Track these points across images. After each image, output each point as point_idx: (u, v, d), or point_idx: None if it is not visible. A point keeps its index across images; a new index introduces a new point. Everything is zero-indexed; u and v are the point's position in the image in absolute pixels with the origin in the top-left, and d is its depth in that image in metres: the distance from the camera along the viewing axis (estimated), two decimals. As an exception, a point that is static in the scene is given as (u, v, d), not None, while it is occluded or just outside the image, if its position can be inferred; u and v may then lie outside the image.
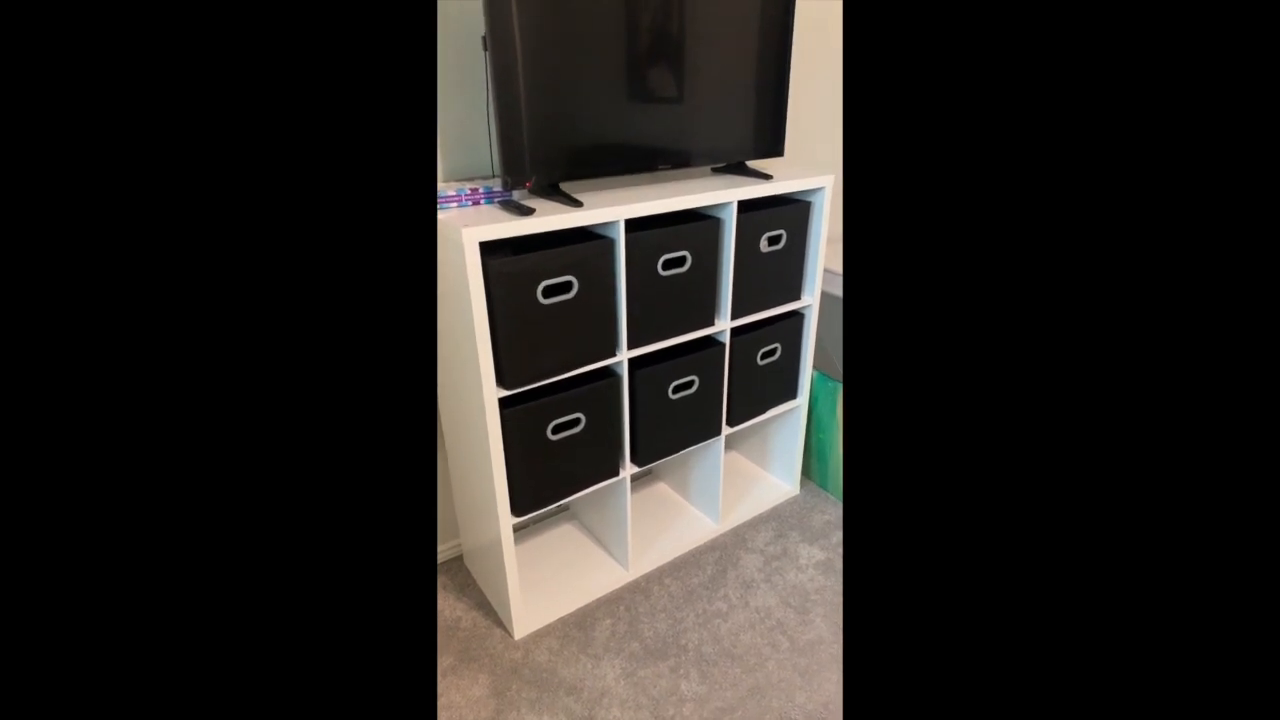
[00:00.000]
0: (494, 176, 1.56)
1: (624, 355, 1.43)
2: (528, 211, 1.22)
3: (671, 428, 1.60)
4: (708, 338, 1.62)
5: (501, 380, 1.28)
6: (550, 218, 1.22)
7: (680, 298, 1.48)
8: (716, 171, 1.67)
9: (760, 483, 2.05)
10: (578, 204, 1.28)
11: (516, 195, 1.35)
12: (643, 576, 1.71)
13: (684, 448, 1.65)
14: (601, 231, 1.37)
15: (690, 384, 1.59)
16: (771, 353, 1.74)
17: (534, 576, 1.68)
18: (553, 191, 1.33)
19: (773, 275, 1.64)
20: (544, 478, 1.41)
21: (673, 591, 1.66)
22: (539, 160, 1.26)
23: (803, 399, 1.88)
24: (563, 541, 1.80)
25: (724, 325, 1.59)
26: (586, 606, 1.62)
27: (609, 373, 1.46)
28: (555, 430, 1.39)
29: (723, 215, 1.51)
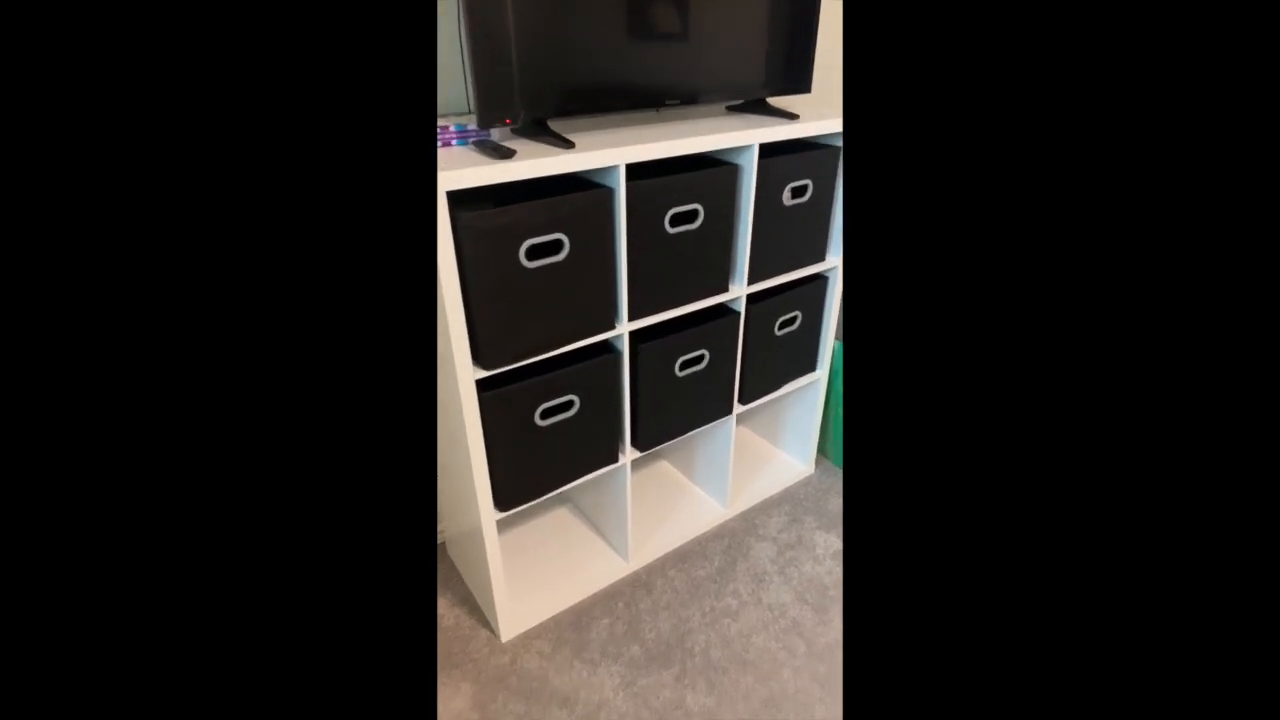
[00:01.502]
0: (468, 113, 1.32)
1: (624, 328, 1.23)
2: (508, 154, 1.00)
3: (678, 408, 1.41)
4: (721, 306, 1.42)
5: (479, 359, 1.08)
6: (536, 161, 0.99)
7: (690, 259, 1.27)
8: (732, 110, 1.43)
9: (772, 461, 1.87)
10: (569, 145, 1.06)
11: (495, 135, 1.13)
12: (644, 568, 1.55)
13: (691, 429, 1.46)
14: (598, 179, 1.15)
15: (700, 359, 1.39)
16: (791, 321, 1.54)
17: (523, 568, 1.51)
18: (540, 130, 1.11)
19: (795, 233, 1.43)
20: (532, 468, 1.23)
21: (677, 585, 1.50)
22: (523, 92, 1.03)
23: (822, 372, 1.69)
24: (555, 528, 1.63)
25: (739, 291, 1.38)
26: (582, 603, 1.46)
27: (607, 348, 1.26)
28: (545, 415, 1.19)
29: (741, 161, 1.28)
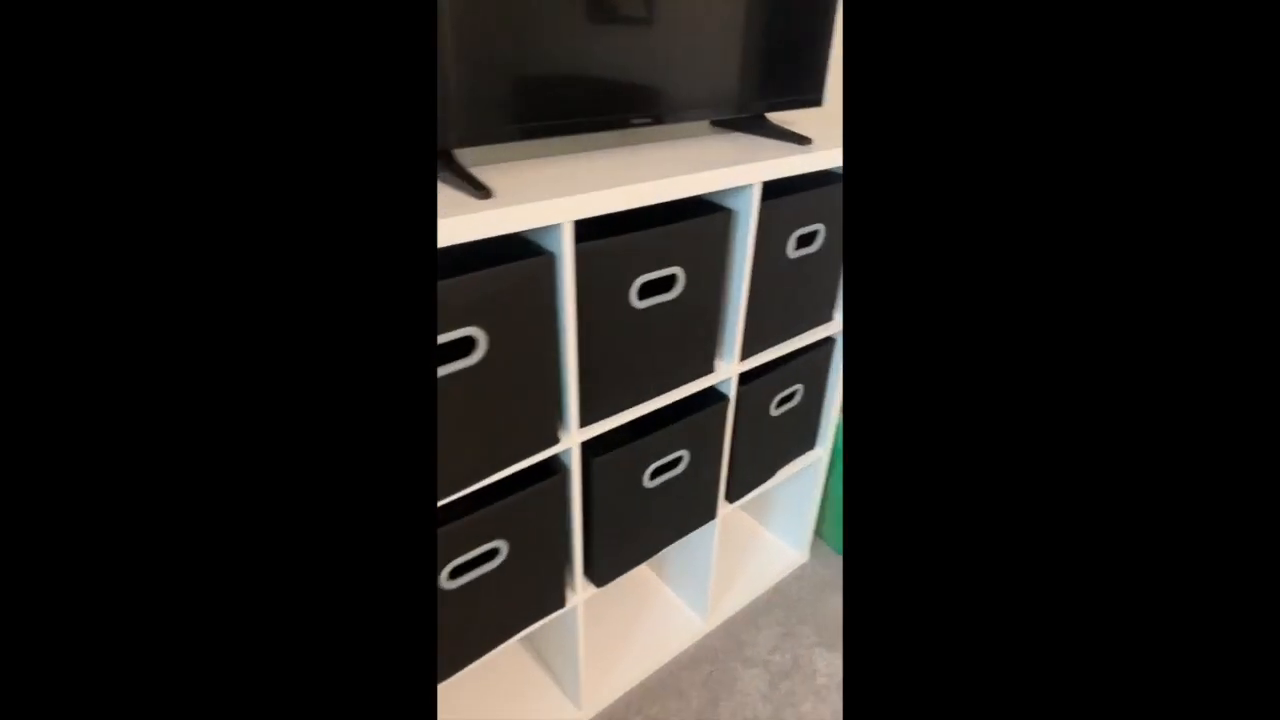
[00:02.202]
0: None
1: (573, 439, 0.88)
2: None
3: (646, 526, 1.06)
4: (706, 390, 1.07)
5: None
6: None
7: (665, 338, 0.91)
8: (719, 126, 1.08)
9: (759, 547, 1.55)
10: (482, 192, 0.69)
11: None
12: (602, 714, 1.21)
13: (664, 546, 1.12)
14: (534, 239, 0.79)
15: (676, 462, 1.04)
16: (790, 398, 1.21)
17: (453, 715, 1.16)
18: (442, 168, 0.74)
19: (800, 291, 1.09)
20: (440, 641, 0.87)
21: (644, 740, 1.17)
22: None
23: (823, 449, 1.37)
24: (499, 668, 1.28)
25: (729, 371, 1.04)
26: (519, 775, 1.11)
27: (549, 469, 0.90)
28: (455, 573, 0.83)
29: (735, 204, 0.93)
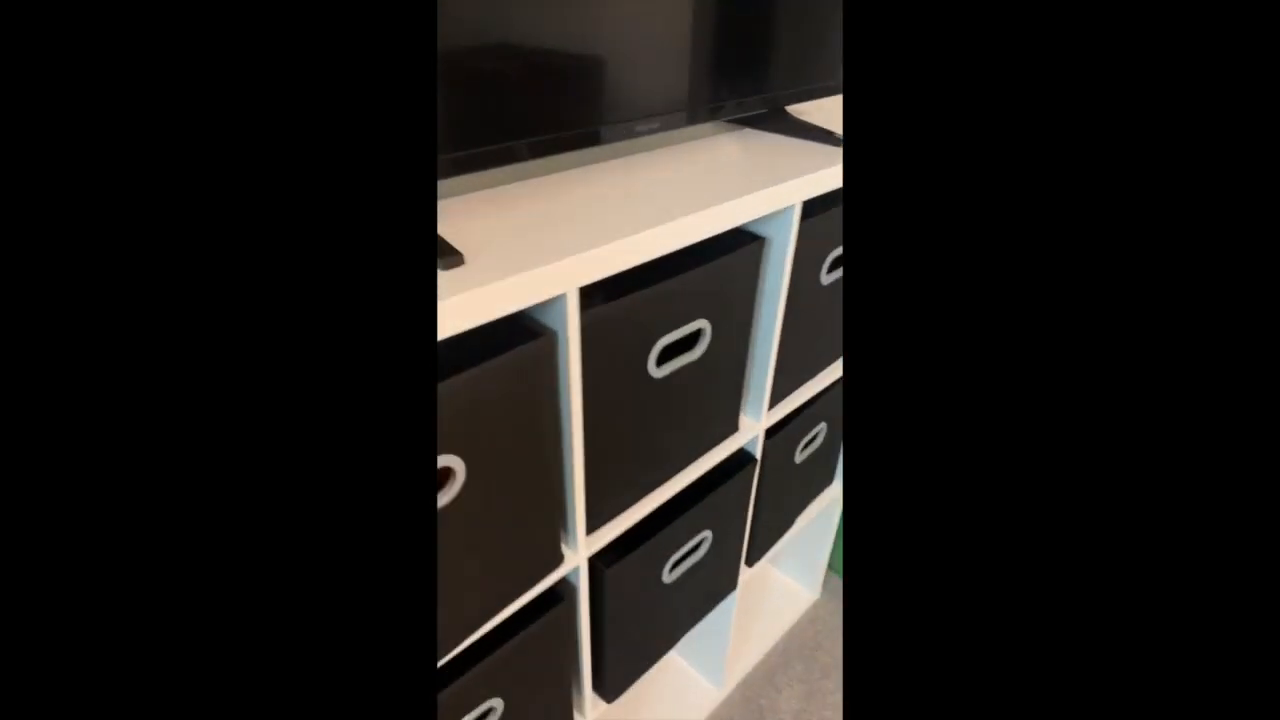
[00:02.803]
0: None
1: (580, 555, 0.67)
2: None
3: (663, 623, 0.87)
4: (731, 455, 0.88)
5: None
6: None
7: (685, 404, 0.71)
8: (733, 123, 0.87)
9: (769, 590, 1.39)
10: (453, 258, 0.47)
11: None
12: (614, 824, 1.03)
13: (679, 639, 0.94)
14: (535, 318, 0.56)
15: (697, 547, 0.85)
16: (814, 439, 1.03)
17: None
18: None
19: (828, 320, 0.90)
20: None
21: None
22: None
23: (840, 484, 1.21)
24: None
25: (756, 428, 0.85)
26: None
27: (552, 597, 0.69)
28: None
29: (769, 232, 0.73)
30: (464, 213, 0.56)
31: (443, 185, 0.61)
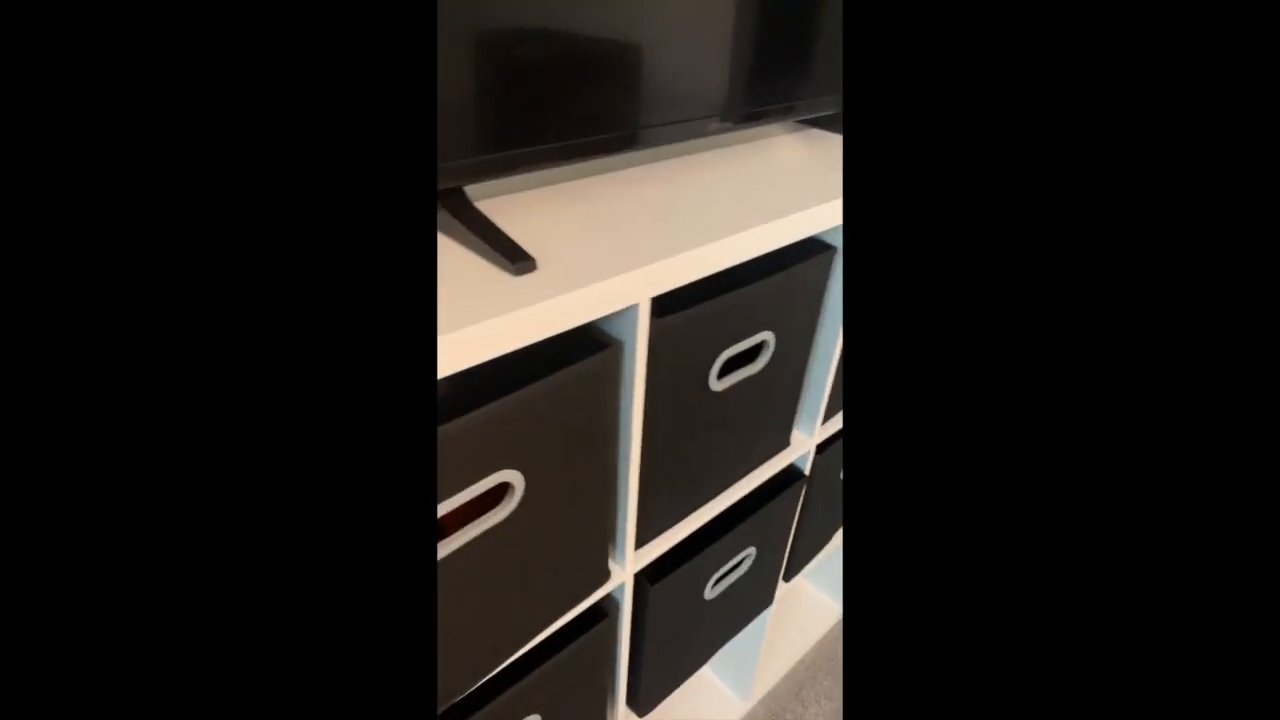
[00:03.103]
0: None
1: (627, 569, 0.64)
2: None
3: (699, 639, 0.85)
4: (780, 471, 0.84)
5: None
6: (454, 337, 0.37)
7: (740, 419, 0.68)
8: (802, 124, 0.83)
9: (798, 602, 1.35)
10: (524, 263, 0.44)
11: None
12: (634, 835, 1.01)
13: (714, 652, 0.91)
14: (602, 328, 0.53)
15: (740, 563, 0.82)
16: (861, 455, 0.99)
17: None
18: (453, 212, 0.47)
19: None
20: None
21: None
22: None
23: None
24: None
25: (808, 443, 0.82)
26: None
27: (596, 613, 0.66)
28: (475, 771, 0.60)
29: (839, 240, 0.69)
30: (523, 211, 0.53)
31: (496, 183, 0.58)
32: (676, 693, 1.18)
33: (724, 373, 0.63)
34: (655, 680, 0.80)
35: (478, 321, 0.38)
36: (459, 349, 0.38)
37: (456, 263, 0.44)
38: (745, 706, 1.17)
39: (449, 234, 0.48)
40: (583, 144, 0.52)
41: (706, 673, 1.20)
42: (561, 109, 0.49)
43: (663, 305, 0.53)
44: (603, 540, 0.60)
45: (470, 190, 0.55)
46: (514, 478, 0.46)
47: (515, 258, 0.43)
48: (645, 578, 0.68)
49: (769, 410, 0.72)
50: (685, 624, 0.78)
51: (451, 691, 0.53)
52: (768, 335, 0.64)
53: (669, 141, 0.58)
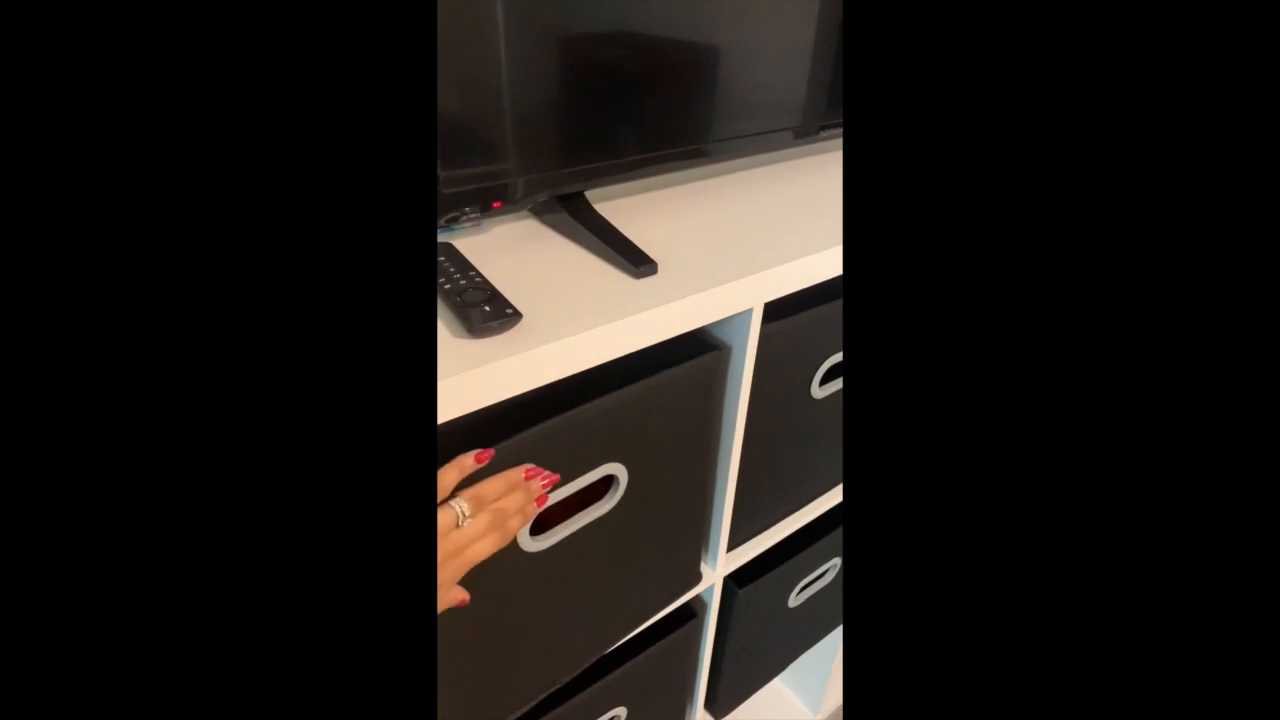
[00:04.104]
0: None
1: (718, 572, 0.65)
2: (503, 320, 0.39)
3: (781, 645, 0.84)
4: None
5: (431, 732, 0.50)
6: (577, 340, 0.39)
7: (837, 428, 0.67)
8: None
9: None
10: (647, 267, 0.45)
11: (483, 225, 0.50)
12: (701, 838, 1.01)
13: (792, 661, 0.90)
14: (712, 331, 0.54)
15: (825, 573, 0.81)
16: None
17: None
18: (571, 213, 0.49)
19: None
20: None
21: None
22: (524, 132, 0.42)
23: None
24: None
25: (899, 456, 0.80)
26: None
27: (685, 612, 0.67)
28: (564, 757, 0.62)
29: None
30: (636, 216, 0.54)
31: (610, 189, 0.60)
32: (751, 701, 1.17)
33: (826, 380, 0.63)
34: (734, 684, 0.81)
35: (606, 323, 0.39)
36: (585, 351, 0.39)
37: (581, 265, 0.46)
38: (816, 718, 1.15)
39: (573, 237, 0.50)
40: (682, 151, 0.53)
41: (778, 683, 1.19)
42: (667, 119, 0.51)
43: (770, 311, 0.54)
44: (697, 541, 0.60)
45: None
46: (619, 471, 0.48)
47: (638, 261, 0.45)
48: (734, 581, 0.69)
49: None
50: (768, 630, 0.78)
51: (551, 681, 0.55)
52: (870, 344, 0.63)
53: (755, 152, 0.59)
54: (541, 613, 0.49)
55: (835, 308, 0.57)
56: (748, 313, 0.49)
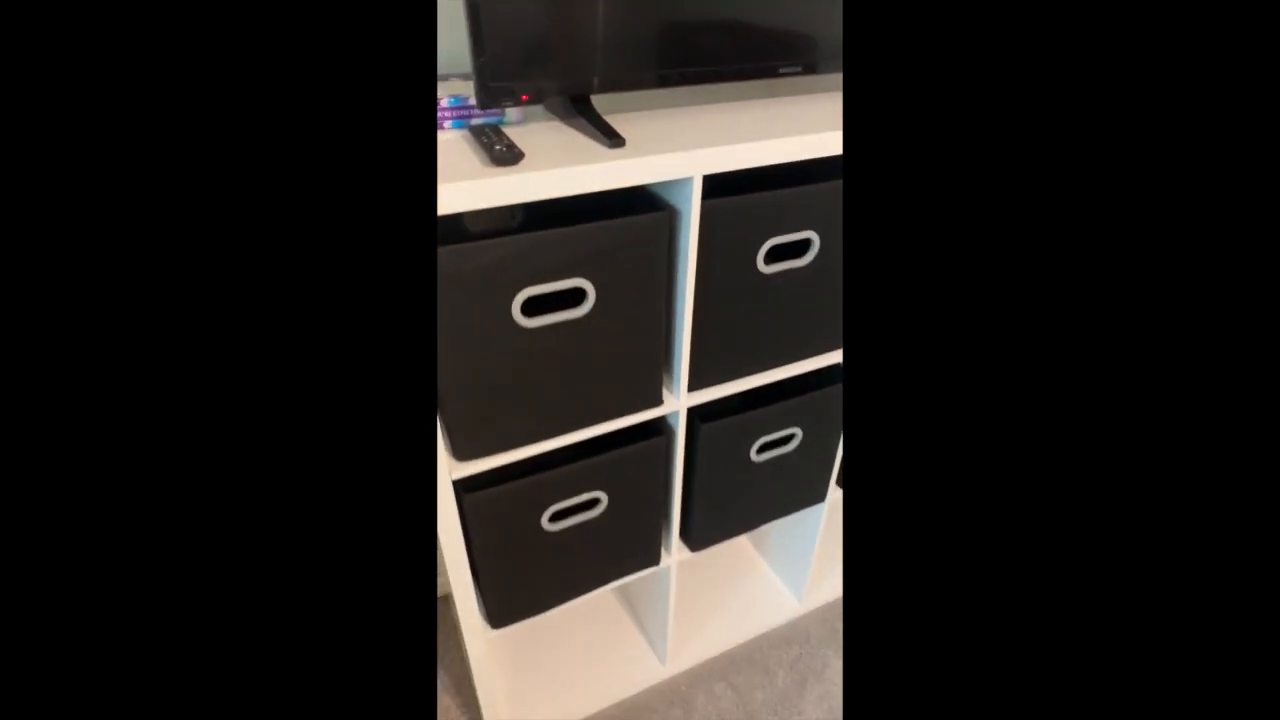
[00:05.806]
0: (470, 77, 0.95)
1: (680, 403, 0.86)
2: (512, 159, 0.63)
3: (748, 500, 1.03)
4: (831, 367, 1.01)
5: (457, 450, 0.75)
6: (555, 173, 0.62)
7: (791, 308, 0.86)
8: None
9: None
10: (616, 140, 0.67)
11: (507, 118, 0.75)
12: (685, 675, 1.22)
13: (766, 522, 1.09)
14: (656, 193, 0.76)
15: (787, 439, 1.00)
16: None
17: (533, 660, 1.22)
18: (576, 112, 0.72)
19: (952, 269, 0.98)
20: (535, 581, 0.90)
21: (724, 707, 1.16)
22: (549, 50, 0.65)
23: (956, 445, 1.25)
24: (583, 610, 1.32)
25: (857, 350, 0.97)
26: (595, 717, 1.15)
27: (653, 429, 0.89)
28: (555, 518, 0.86)
29: (887, 168, 0.84)
30: (634, 122, 0.76)
31: (634, 98, 0.82)
32: (738, 577, 1.36)
33: (772, 260, 0.82)
34: (706, 521, 1.01)
35: (576, 165, 0.62)
36: (559, 180, 0.62)
37: (574, 140, 0.69)
38: (800, 608, 1.32)
39: (575, 127, 0.73)
40: (694, 72, 0.74)
41: (766, 567, 1.37)
42: (678, 44, 0.72)
43: (720, 188, 0.74)
44: (660, 373, 0.82)
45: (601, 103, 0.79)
46: (588, 286, 0.70)
47: (613, 137, 0.67)
48: (698, 416, 0.89)
49: (819, 307, 0.89)
50: (732, 476, 0.98)
51: (542, 435, 0.78)
52: (812, 235, 0.82)
53: (748, 79, 0.79)
54: (532, 379, 0.73)
55: (778, 195, 0.76)
56: (690, 181, 0.69)
